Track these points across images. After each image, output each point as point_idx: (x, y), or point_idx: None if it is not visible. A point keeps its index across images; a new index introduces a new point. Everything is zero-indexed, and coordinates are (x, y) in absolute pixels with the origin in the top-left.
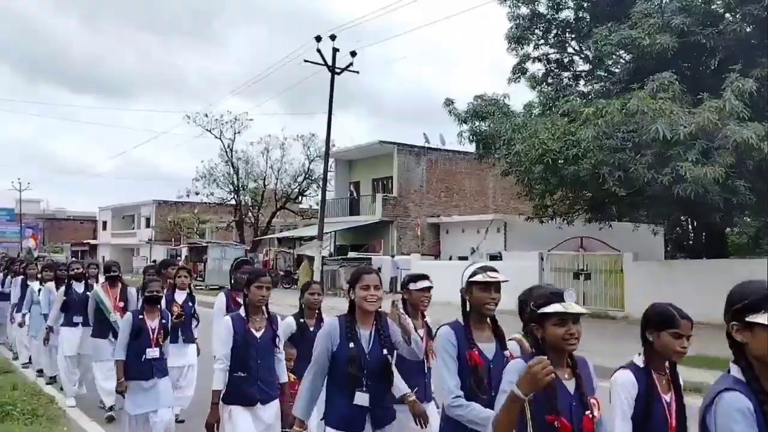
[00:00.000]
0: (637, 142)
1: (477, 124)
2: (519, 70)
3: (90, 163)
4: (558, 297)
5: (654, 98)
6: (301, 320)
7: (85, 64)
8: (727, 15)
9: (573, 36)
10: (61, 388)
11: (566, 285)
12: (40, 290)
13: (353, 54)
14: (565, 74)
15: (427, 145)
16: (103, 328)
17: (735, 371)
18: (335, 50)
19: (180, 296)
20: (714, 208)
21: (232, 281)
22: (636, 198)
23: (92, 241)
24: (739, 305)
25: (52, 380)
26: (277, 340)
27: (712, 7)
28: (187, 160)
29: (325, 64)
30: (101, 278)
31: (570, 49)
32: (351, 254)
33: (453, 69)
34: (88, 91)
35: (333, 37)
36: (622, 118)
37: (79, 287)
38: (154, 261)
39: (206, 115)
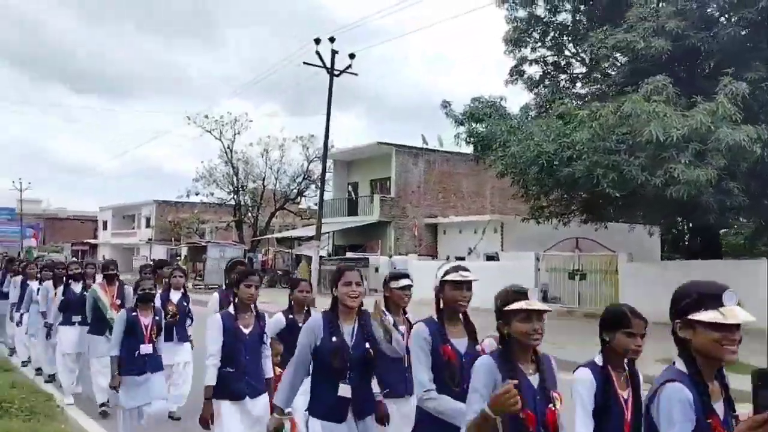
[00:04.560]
0: (631, 145)
1: (474, 126)
2: (516, 72)
3: (91, 162)
4: (522, 295)
5: (648, 101)
6: (290, 316)
7: (87, 64)
8: (722, 18)
9: (570, 39)
10: (60, 386)
11: (562, 285)
12: (38, 290)
13: (352, 56)
14: (562, 76)
15: (424, 146)
16: (100, 325)
17: (679, 365)
18: (334, 52)
19: (175, 296)
20: (708, 210)
21: (227, 281)
22: (630, 199)
23: (92, 241)
24: (681, 304)
25: (51, 378)
26: (265, 337)
27: (707, 11)
28: (187, 161)
29: (324, 66)
30: (99, 277)
31: (567, 52)
32: (349, 254)
33: (450, 71)
34: (89, 91)
35: (332, 39)
36: (616, 120)
37: (76, 287)
38: (153, 260)
39: (206, 116)
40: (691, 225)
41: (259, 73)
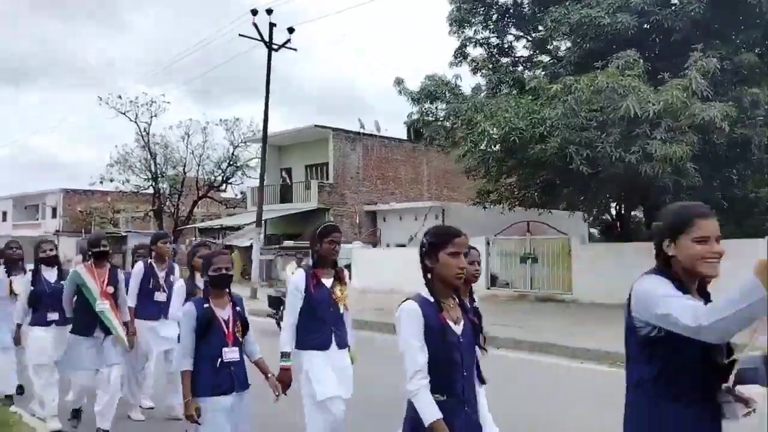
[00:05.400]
0: (603, 121)
1: (430, 105)
2: (461, 54)
3: None
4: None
5: (622, 75)
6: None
7: None
8: None
9: (512, 21)
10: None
11: (513, 269)
12: None
13: (291, 30)
14: (504, 60)
15: (362, 131)
16: (86, 321)
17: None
18: (272, 25)
19: (201, 282)
20: (664, 190)
21: (315, 249)
22: (592, 179)
23: None
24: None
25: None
26: (480, 337)
27: None
28: (91, 149)
29: (262, 39)
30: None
31: (510, 35)
32: (287, 243)
33: (372, 56)
34: None
35: (269, 11)
36: (589, 95)
37: (50, 274)
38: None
39: (120, 97)
40: (622, 209)
41: (165, 58)
